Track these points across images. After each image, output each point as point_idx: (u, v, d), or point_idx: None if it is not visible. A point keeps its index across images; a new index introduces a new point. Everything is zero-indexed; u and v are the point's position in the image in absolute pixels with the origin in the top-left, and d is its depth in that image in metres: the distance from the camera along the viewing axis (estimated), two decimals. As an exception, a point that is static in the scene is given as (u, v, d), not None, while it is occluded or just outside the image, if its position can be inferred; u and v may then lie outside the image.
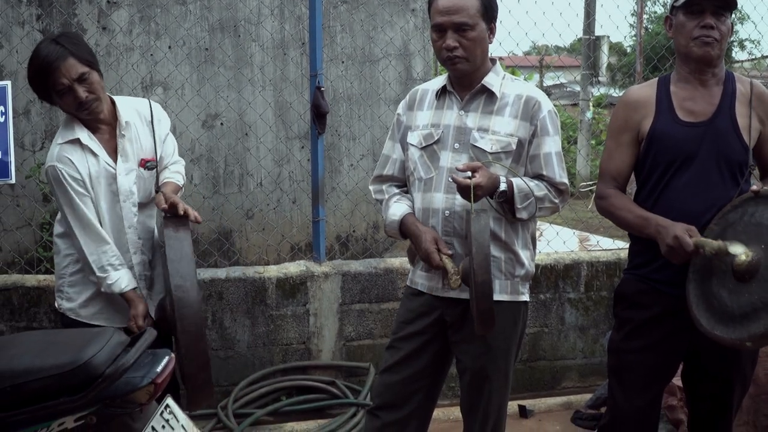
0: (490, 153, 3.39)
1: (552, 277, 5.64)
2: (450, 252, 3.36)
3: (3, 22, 6.62)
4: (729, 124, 3.43)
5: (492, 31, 3.44)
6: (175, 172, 3.89)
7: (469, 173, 3.20)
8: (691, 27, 3.39)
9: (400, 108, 3.72)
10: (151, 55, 6.93)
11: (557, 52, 26.95)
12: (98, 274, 3.62)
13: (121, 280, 3.65)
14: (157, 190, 3.75)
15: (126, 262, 3.72)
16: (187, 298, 3.37)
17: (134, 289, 3.70)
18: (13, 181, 4.48)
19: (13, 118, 4.47)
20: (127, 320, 3.68)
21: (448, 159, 3.44)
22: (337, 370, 5.36)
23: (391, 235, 3.67)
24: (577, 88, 21.25)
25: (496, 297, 3.38)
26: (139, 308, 3.67)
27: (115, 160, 3.71)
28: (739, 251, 3.12)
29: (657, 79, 3.65)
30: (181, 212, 3.55)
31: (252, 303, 5.18)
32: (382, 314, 5.41)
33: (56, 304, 3.86)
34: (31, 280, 5.01)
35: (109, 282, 3.63)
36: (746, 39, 28.34)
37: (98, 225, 3.65)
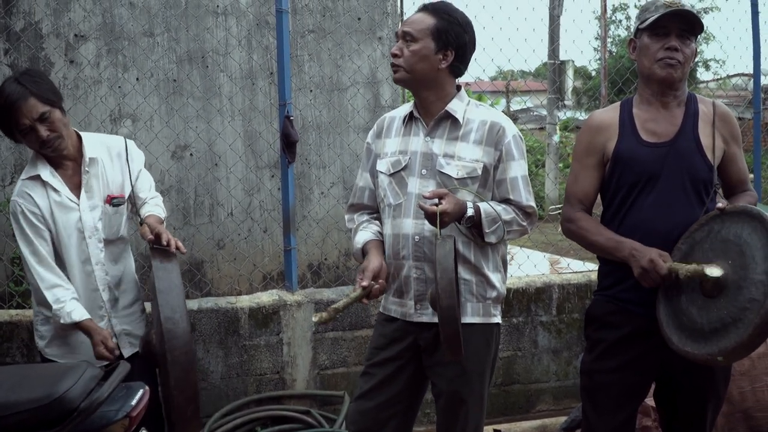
0: (456, 179, 3.43)
1: (524, 300, 5.67)
2: (365, 283, 3.34)
3: (-29, 58, 6.61)
4: (692, 143, 3.47)
5: (446, 56, 3.48)
6: (155, 206, 3.91)
7: (436, 200, 3.24)
8: (655, 49, 3.43)
9: (369, 137, 3.77)
10: (119, 87, 6.93)
11: (523, 77, 27.16)
12: (54, 306, 3.60)
13: (78, 309, 3.63)
14: (141, 222, 3.76)
15: (97, 300, 3.72)
16: (176, 330, 3.38)
17: (90, 318, 3.66)
18: (-16, 216, 4.47)
19: (-18, 153, 4.46)
20: (94, 347, 3.64)
21: (416, 185, 3.48)
22: (312, 399, 5.35)
23: (359, 262, 3.70)
24: (544, 112, 21.42)
25: (468, 319, 3.43)
26: (102, 333, 3.64)
27: (78, 196, 3.72)
28: (717, 273, 3.14)
29: (620, 102, 3.70)
30: (164, 243, 3.57)
31: (225, 333, 5.17)
32: (356, 342, 5.41)
33: (36, 344, 3.86)
34: (3, 315, 4.97)
35: (67, 310, 3.60)
36: (711, 59, 28.67)
37: (53, 261, 3.66)
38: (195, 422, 3.47)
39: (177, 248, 3.62)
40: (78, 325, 3.63)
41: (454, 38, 3.48)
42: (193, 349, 3.59)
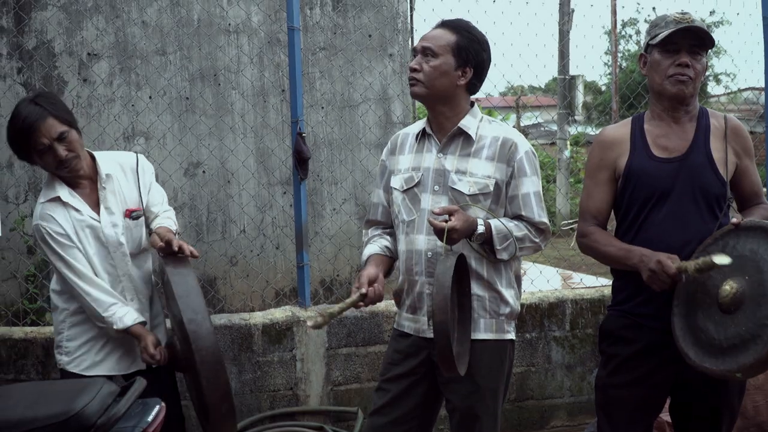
0: (468, 195, 3.43)
1: (537, 315, 5.66)
2: (363, 290, 3.35)
3: (-16, 76, 6.66)
4: (704, 158, 3.47)
5: (464, 73, 3.50)
6: (166, 218, 3.92)
7: (446, 216, 3.25)
8: (666, 65, 3.44)
9: (384, 153, 3.79)
10: (133, 105, 6.98)
11: (533, 92, 27.14)
12: (104, 315, 3.62)
13: (129, 314, 3.67)
14: (150, 232, 3.78)
15: None
16: (201, 331, 3.39)
17: (142, 322, 3.71)
18: (0, 234, 4.49)
19: (-3, 171, 4.49)
20: (140, 355, 3.69)
21: (428, 201, 3.49)
22: (326, 415, 5.34)
23: None
24: (554, 128, 21.40)
25: (482, 336, 3.44)
26: (148, 339, 3.67)
27: (99, 213, 3.74)
28: (725, 261, 3.12)
29: (631, 117, 3.71)
30: (175, 248, 3.59)
31: (238, 350, 5.18)
32: (369, 357, 5.40)
33: (57, 361, 3.85)
34: (18, 332, 4.98)
35: (119, 315, 3.63)
36: (722, 73, 28.62)
37: (92, 273, 3.67)
38: (230, 420, 3.49)
39: (190, 253, 3.64)
40: (129, 331, 3.66)
41: (474, 56, 3.50)
42: (220, 348, 3.61)
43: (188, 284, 3.51)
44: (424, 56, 3.47)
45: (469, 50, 3.48)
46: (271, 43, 7.51)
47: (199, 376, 3.37)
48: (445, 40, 3.46)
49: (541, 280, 6.68)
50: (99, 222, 3.73)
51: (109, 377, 3.58)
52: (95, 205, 3.76)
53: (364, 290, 3.34)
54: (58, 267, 3.68)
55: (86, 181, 3.78)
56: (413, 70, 3.49)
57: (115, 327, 3.64)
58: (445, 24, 3.54)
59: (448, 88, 3.49)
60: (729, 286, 3.14)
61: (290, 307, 5.48)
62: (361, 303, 3.34)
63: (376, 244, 3.67)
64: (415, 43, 3.65)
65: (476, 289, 3.46)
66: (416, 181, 3.54)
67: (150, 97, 7.07)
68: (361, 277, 3.40)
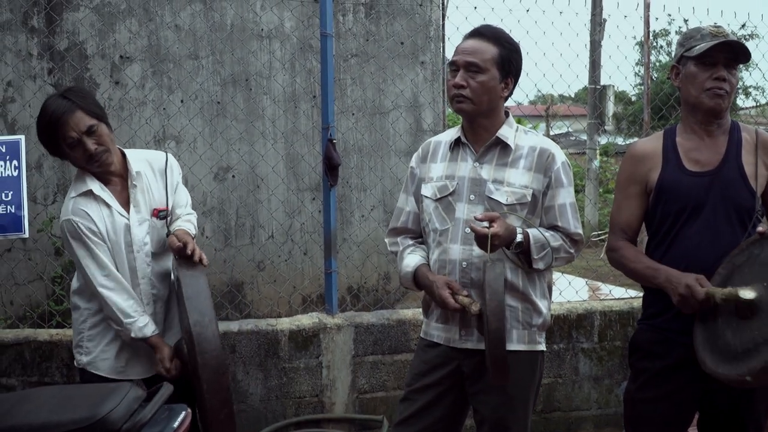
0: (506, 205, 3.41)
1: (565, 326, 5.62)
2: (465, 292, 3.37)
3: (15, 76, 6.70)
4: (736, 172, 3.44)
5: (507, 85, 3.47)
6: (186, 221, 3.90)
7: (487, 223, 3.22)
8: (703, 78, 3.41)
9: (414, 161, 3.75)
10: (164, 109, 7.00)
11: (562, 101, 27.08)
12: (125, 320, 3.62)
13: (149, 324, 3.67)
14: (169, 233, 3.77)
15: None
16: (206, 333, 3.38)
17: (159, 335, 3.72)
18: (27, 235, 4.50)
19: (26, 172, 4.49)
20: (153, 366, 3.70)
21: (464, 210, 3.46)
22: (351, 422, 5.33)
23: (406, 287, 3.69)
24: (583, 137, 21.32)
25: (514, 347, 3.40)
26: (165, 351, 3.68)
27: (128, 211, 3.74)
28: (750, 295, 3.11)
29: (663, 130, 3.68)
30: (189, 252, 3.59)
31: (265, 356, 5.17)
32: (395, 366, 5.38)
33: (75, 361, 3.86)
34: (44, 334, 4.99)
35: (139, 325, 3.63)
36: (751, 86, 28.47)
37: (119, 274, 3.67)
38: (230, 427, 3.46)
39: (200, 260, 3.62)
40: (147, 341, 3.67)
41: (515, 66, 3.48)
42: (225, 353, 3.60)
43: (198, 286, 3.50)
44: (467, 71, 3.41)
45: (511, 61, 3.45)
46: (303, 49, 7.52)
47: (200, 380, 3.36)
48: (489, 53, 3.40)
49: (570, 291, 6.64)
50: (128, 220, 3.73)
51: (131, 381, 3.59)
52: (125, 203, 3.75)
53: (465, 291, 3.38)
54: (84, 264, 3.66)
55: (117, 178, 3.77)
56: (459, 86, 3.42)
57: (132, 335, 3.64)
58: (482, 34, 3.46)
59: (494, 101, 3.47)
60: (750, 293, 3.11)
61: (317, 314, 5.48)
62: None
63: (417, 254, 3.64)
64: (447, 52, 3.60)
65: (509, 300, 3.42)
66: (451, 190, 3.51)
67: (182, 101, 7.09)
68: (451, 283, 3.40)
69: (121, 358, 3.77)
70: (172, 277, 3.93)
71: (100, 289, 3.64)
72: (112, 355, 3.76)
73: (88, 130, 3.60)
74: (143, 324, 3.65)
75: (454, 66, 3.45)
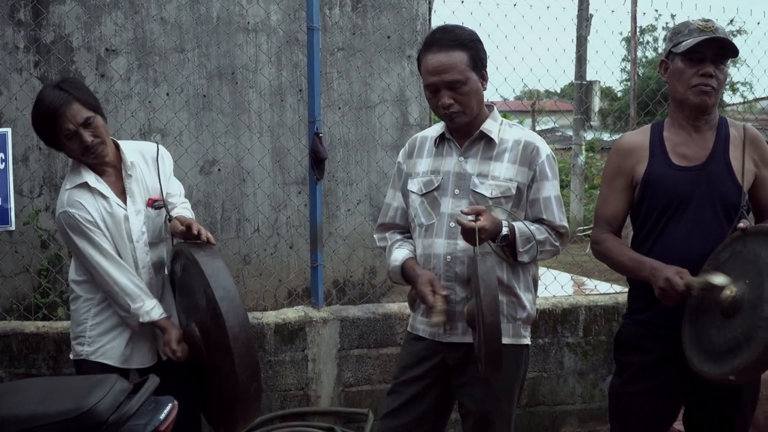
0: (490, 198, 3.42)
1: (550, 321, 5.64)
2: (445, 293, 3.38)
3: (1, 69, 6.67)
4: (723, 167, 3.45)
5: (484, 78, 3.48)
6: (184, 209, 3.92)
7: (473, 216, 3.23)
8: (689, 74, 3.41)
9: (401, 156, 3.76)
10: (150, 102, 6.98)
11: (548, 96, 27.11)
12: (132, 306, 3.63)
13: (156, 307, 3.69)
14: (170, 218, 3.77)
15: None
16: (233, 308, 3.39)
17: (167, 317, 3.72)
18: (13, 228, 4.49)
19: (12, 165, 4.48)
20: (163, 347, 3.71)
21: (448, 205, 3.48)
22: (336, 416, 5.34)
23: (394, 281, 3.70)
24: (569, 133, 21.36)
25: (499, 340, 3.42)
26: (173, 333, 3.68)
27: (125, 202, 3.74)
28: (721, 281, 3.13)
29: (650, 125, 3.68)
30: (195, 232, 3.60)
31: (251, 349, 5.16)
32: (381, 360, 5.39)
33: (72, 354, 3.84)
34: (30, 326, 4.99)
35: (146, 309, 3.64)
36: (738, 82, 28.56)
37: (121, 260, 3.68)
38: (257, 401, 3.49)
39: (207, 239, 3.63)
40: (156, 324, 3.68)
41: (483, 57, 3.48)
42: (251, 327, 3.60)
43: (216, 264, 3.51)
44: (449, 89, 3.38)
45: (479, 55, 3.45)
46: (289, 43, 7.51)
47: (231, 354, 3.35)
48: (461, 61, 3.37)
49: (555, 286, 6.66)
50: (126, 210, 3.73)
51: (124, 373, 3.59)
52: (121, 193, 3.76)
53: (445, 292, 3.39)
54: (87, 253, 3.65)
55: (111, 169, 3.78)
56: (447, 106, 3.40)
57: (141, 320, 3.64)
58: (443, 44, 3.39)
59: (481, 100, 3.48)
60: (729, 291, 3.12)
61: (303, 307, 5.48)
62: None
63: (405, 248, 3.64)
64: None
65: None
66: (436, 185, 3.52)
67: (167, 94, 7.07)
68: (433, 281, 3.41)
69: (128, 345, 3.77)
70: (167, 270, 3.94)
71: (105, 277, 3.64)
72: (119, 343, 3.76)
73: (84, 122, 3.61)
74: (150, 307, 3.66)
75: (434, 88, 3.42)
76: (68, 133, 3.60)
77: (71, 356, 3.86)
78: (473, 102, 3.42)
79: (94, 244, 3.64)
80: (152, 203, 3.81)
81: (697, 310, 3.29)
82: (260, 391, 3.48)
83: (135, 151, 3.86)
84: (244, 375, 3.37)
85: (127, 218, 3.73)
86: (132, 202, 3.75)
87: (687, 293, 3.23)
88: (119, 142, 3.86)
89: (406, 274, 3.57)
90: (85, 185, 3.69)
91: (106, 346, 3.74)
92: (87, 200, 3.67)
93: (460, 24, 3.62)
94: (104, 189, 3.71)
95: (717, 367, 3.15)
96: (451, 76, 3.36)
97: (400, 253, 3.62)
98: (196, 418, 3.91)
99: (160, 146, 3.97)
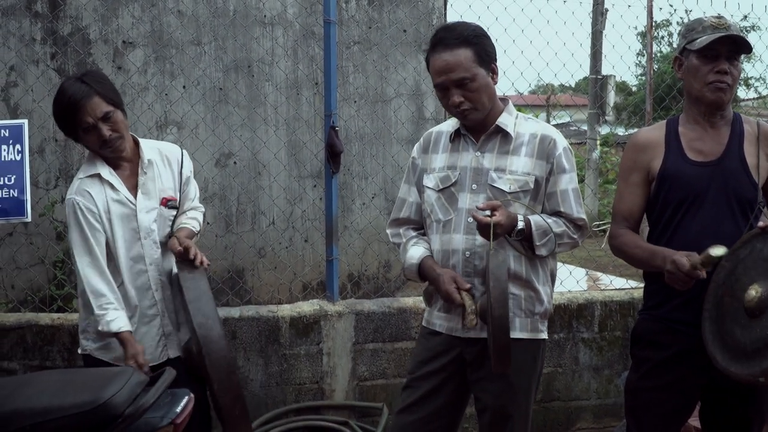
0: (509, 192, 3.41)
1: (566, 316, 5.62)
2: (468, 286, 3.37)
3: (18, 61, 6.69)
4: (738, 163, 3.45)
5: (494, 72, 3.46)
6: (192, 218, 3.92)
7: (489, 212, 3.23)
8: (705, 71, 3.41)
9: (415, 151, 3.75)
10: (166, 94, 7.00)
11: (563, 90, 27.00)
12: (96, 311, 3.60)
13: (119, 319, 3.61)
14: (171, 234, 3.78)
15: (149, 299, 3.74)
16: (211, 335, 3.42)
17: (129, 331, 3.64)
18: (29, 219, 4.50)
19: (29, 156, 4.50)
20: (125, 360, 3.61)
21: (466, 200, 3.46)
22: (351, 410, 5.33)
23: (410, 278, 3.68)
24: (583, 127, 21.27)
25: (517, 335, 3.41)
26: (137, 347, 3.61)
27: (135, 197, 3.75)
28: (719, 252, 3.12)
29: (666, 120, 3.68)
30: (191, 257, 3.61)
31: (265, 342, 5.17)
32: (396, 354, 5.39)
33: (80, 347, 3.84)
34: (45, 318, 4.99)
35: (108, 319, 3.58)
36: (752, 78, 28.42)
37: (104, 264, 3.67)
38: (244, 421, 3.50)
39: (202, 263, 3.64)
40: (116, 336, 3.62)
41: (491, 51, 3.46)
42: (231, 351, 3.62)
43: (200, 288, 3.53)
44: (458, 87, 3.38)
45: (486, 50, 3.43)
46: (306, 36, 7.51)
47: (210, 380, 3.40)
48: (466, 59, 3.36)
49: (570, 281, 6.65)
50: (134, 205, 3.74)
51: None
52: (133, 189, 3.76)
53: (468, 285, 3.39)
54: (75, 244, 3.67)
55: (127, 164, 3.79)
56: (457, 104, 3.40)
57: (100, 328, 3.61)
58: (447, 43, 3.39)
59: (492, 95, 3.47)
60: (754, 291, 3.11)
61: (318, 301, 5.48)
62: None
63: (421, 246, 3.63)
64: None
65: (513, 288, 3.43)
66: (453, 180, 3.51)
67: (184, 87, 7.08)
68: (456, 278, 3.41)
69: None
70: (174, 271, 3.95)
71: (83, 273, 3.64)
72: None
73: (104, 117, 3.61)
74: (113, 318, 3.59)
75: (442, 87, 3.42)
76: (87, 126, 3.61)
77: (79, 350, 3.86)
78: (484, 97, 3.41)
79: (85, 239, 3.65)
80: (166, 202, 3.82)
81: (718, 308, 3.27)
82: (245, 411, 3.49)
83: (154, 149, 3.87)
84: (225, 399, 3.40)
85: (135, 213, 3.73)
86: (144, 199, 3.76)
87: (694, 273, 3.21)
88: (141, 139, 3.87)
89: (424, 272, 3.55)
90: (97, 176, 3.71)
91: (111, 343, 3.74)
92: (95, 190, 3.68)
93: (465, 21, 3.59)
94: (116, 182, 3.72)
95: (745, 368, 3.12)
96: (458, 74, 3.36)
97: (416, 251, 3.60)
98: (203, 417, 3.91)
99: (185, 152, 3.99)
